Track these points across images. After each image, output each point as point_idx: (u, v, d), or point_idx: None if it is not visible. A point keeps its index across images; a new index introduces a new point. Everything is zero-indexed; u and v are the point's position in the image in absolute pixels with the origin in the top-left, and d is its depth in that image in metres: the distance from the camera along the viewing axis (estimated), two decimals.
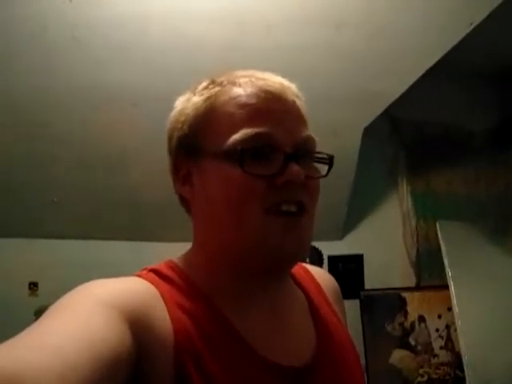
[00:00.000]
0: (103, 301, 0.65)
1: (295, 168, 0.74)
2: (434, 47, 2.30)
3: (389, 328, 3.07)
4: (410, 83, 2.50)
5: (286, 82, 0.82)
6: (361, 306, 3.09)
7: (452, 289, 2.83)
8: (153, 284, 0.75)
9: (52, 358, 0.51)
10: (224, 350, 0.73)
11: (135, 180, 2.71)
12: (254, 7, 2.10)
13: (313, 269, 1.00)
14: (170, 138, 0.84)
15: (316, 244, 3.25)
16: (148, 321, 0.67)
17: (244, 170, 0.73)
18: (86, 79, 2.31)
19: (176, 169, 0.83)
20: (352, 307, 3.00)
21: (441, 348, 3.08)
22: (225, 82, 0.81)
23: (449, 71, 2.74)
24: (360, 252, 3.30)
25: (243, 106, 0.77)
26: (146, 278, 0.76)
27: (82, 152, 2.61)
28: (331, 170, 0.82)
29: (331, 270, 3.25)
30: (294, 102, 0.80)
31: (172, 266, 0.82)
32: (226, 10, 2.10)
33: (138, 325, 0.65)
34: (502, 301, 2.81)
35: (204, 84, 0.83)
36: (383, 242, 3.31)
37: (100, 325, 0.60)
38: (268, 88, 0.78)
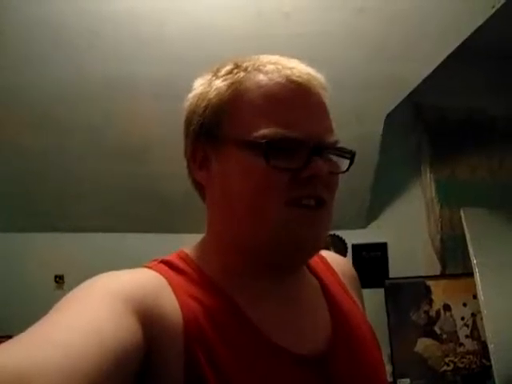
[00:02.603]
0: (111, 294, 0.65)
1: (320, 163, 0.74)
2: (456, 31, 2.26)
3: (414, 316, 3.05)
4: (433, 68, 2.46)
5: (313, 73, 0.80)
6: (385, 295, 3.07)
7: (477, 276, 2.80)
8: (163, 275, 0.74)
9: (58, 355, 0.51)
10: (236, 339, 0.72)
11: (159, 172, 2.71)
12: None
13: (328, 254, 0.99)
14: (188, 122, 0.83)
15: (339, 233, 3.23)
16: (157, 311, 0.67)
17: (268, 164, 0.72)
18: (105, 72, 2.32)
19: (193, 153, 0.82)
20: (377, 296, 2.99)
21: (466, 337, 3.04)
22: (250, 68, 0.79)
23: (471, 55, 2.69)
24: (384, 240, 3.27)
25: (270, 97, 0.75)
26: (155, 269, 0.75)
27: (105, 145, 2.63)
28: (354, 157, 0.81)
29: (355, 259, 3.24)
30: (320, 94, 0.79)
31: (183, 256, 0.81)
32: None
33: (146, 316, 0.65)
34: None
35: (227, 68, 0.81)
36: (407, 230, 3.27)
37: (108, 318, 0.60)
38: (296, 79, 0.76)
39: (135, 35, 2.18)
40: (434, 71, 2.48)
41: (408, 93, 2.67)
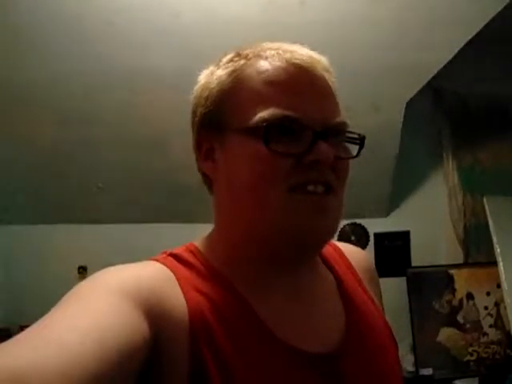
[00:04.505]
0: (116, 289, 0.64)
1: (324, 147, 0.70)
2: (476, 16, 2.22)
3: (436, 305, 3.02)
4: (453, 54, 2.43)
5: (315, 55, 0.77)
6: (408, 284, 3.04)
7: (501, 265, 2.76)
8: (170, 268, 0.73)
9: (56, 355, 0.50)
10: (242, 334, 0.71)
11: (178, 162, 2.72)
12: None
13: (344, 246, 0.95)
14: (193, 114, 0.82)
15: (361, 221, 3.22)
16: (163, 306, 0.66)
17: (269, 148, 0.70)
18: (123, 64, 2.34)
19: (199, 144, 0.80)
20: (399, 285, 2.97)
21: (490, 326, 3.01)
22: (250, 55, 0.77)
23: (492, 40, 2.64)
24: (406, 229, 3.25)
25: (271, 81, 0.73)
26: (163, 262, 0.74)
27: (124, 137, 2.65)
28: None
29: (377, 248, 3.23)
30: (324, 76, 0.76)
31: (192, 249, 0.80)
32: None
33: (152, 311, 0.64)
34: None
35: (228, 57, 0.79)
36: (429, 219, 3.24)
37: (111, 315, 0.59)
38: (296, 61, 0.74)
39: (151, 26, 2.19)
40: (455, 57, 2.44)
41: (428, 80, 2.63)
